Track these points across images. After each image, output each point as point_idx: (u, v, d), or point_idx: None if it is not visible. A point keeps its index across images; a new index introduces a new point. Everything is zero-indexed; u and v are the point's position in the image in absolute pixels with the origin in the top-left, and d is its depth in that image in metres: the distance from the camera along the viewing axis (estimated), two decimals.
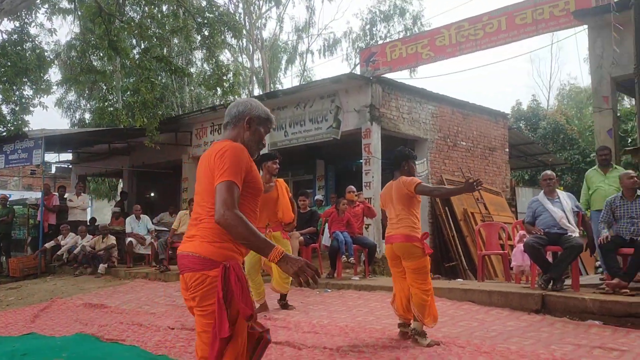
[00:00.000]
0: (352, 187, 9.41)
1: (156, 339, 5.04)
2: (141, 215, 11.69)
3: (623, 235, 6.18)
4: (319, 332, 5.09)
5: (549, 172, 6.88)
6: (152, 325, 5.73)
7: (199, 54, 22.44)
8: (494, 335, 4.86)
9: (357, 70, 17.77)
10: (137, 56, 13.10)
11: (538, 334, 4.90)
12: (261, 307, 6.25)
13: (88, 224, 14.03)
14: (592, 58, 8.79)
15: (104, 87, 21.45)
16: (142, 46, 13.07)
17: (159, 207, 16.81)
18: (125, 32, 12.68)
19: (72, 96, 25.00)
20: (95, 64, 18.73)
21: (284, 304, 6.46)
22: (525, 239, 6.61)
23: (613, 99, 8.71)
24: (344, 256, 8.27)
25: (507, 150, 14.66)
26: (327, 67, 63.84)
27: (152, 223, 12.27)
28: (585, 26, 8.94)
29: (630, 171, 6.42)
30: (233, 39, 15.98)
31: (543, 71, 70.54)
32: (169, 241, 10.33)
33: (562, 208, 6.47)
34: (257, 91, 27.07)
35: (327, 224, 9.04)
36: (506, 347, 4.38)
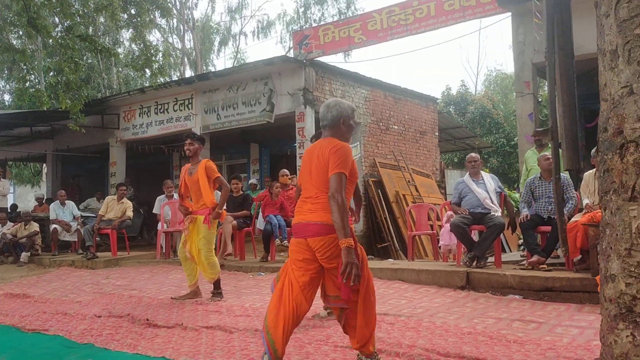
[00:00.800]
0: (286, 170, 9.39)
1: (82, 327, 4.88)
2: (66, 201, 11.19)
3: (541, 214, 6.51)
4: (251, 315, 5.10)
5: (473, 154, 7.14)
6: (77, 313, 5.54)
7: (126, 34, 21.65)
8: (421, 312, 5.02)
9: (291, 54, 17.68)
10: (59, 35, 12.44)
11: (462, 309, 5.11)
12: (193, 292, 6.15)
13: (9, 210, 13.36)
14: (515, 45, 9.11)
15: (24, 67, 20.31)
16: (65, 24, 12.42)
17: (85, 193, 16.21)
18: (46, 9, 12.00)
19: None
20: (14, 42, 17.68)
21: (217, 292, 6.21)
22: (451, 219, 6.85)
23: (534, 84, 9.09)
24: (277, 239, 8.28)
25: (437, 133, 15.09)
26: (261, 50, 63.01)
27: (79, 209, 11.80)
28: (509, 13, 9.26)
29: (546, 153, 6.75)
30: (162, 18, 15.47)
31: (472, 57, 72.97)
32: (96, 227, 9.96)
33: (485, 189, 6.73)
34: (188, 72, 26.41)
35: (260, 208, 9.01)
36: (432, 322, 4.54)
